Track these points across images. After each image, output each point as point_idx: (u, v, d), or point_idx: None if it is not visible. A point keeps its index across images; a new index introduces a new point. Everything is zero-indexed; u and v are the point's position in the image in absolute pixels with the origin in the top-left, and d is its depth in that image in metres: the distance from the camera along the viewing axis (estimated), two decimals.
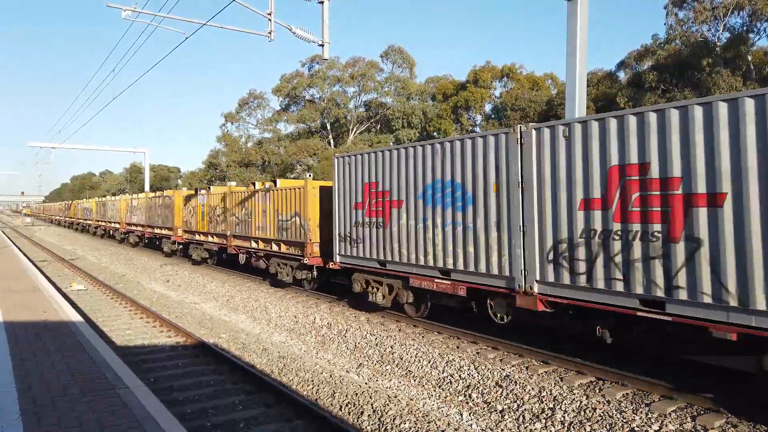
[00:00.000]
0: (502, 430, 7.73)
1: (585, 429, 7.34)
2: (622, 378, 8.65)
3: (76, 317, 11.37)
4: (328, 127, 59.30)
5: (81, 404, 6.23)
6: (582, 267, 8.77)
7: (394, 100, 55.71)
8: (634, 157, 8.13)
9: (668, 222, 7.71)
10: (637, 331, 8.59)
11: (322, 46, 15.19)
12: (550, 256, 9.27)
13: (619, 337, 8.94)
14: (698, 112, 7.45)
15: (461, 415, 8.27)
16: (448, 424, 7.92)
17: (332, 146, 56.57)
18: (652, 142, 7.90)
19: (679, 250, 7.59)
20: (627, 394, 8.11)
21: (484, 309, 11.10)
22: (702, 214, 7.36)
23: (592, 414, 7.66)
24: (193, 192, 26.17)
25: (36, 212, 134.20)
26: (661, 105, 7.98)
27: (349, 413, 8.46)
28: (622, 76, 39.26)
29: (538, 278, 9.52)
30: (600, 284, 8.53)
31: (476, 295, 11.07)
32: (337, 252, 14.57)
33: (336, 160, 14.38)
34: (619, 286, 8.29)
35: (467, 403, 8.63)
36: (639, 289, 8.05)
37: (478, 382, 9.12)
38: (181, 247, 27.92)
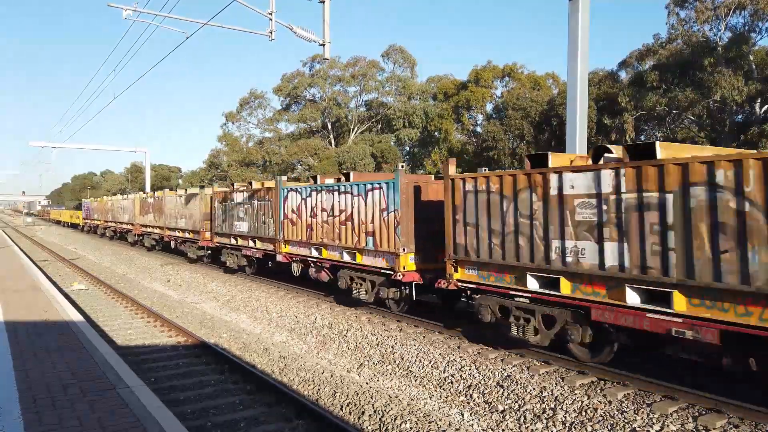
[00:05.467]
0: (503, 430, 7.72)
1: (586, 429, 7.33)
2: (623, 378, 8.64)
3: (77, 317, 11.37)
4: (329, 127, 59.29)
5: (82, 404, 6.23)
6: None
7: (395, 100, 55.68)
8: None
9: None
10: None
11: (323, 45, 15.18)
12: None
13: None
14: None
15: (462, 415, 8.26)
16: (449, 424, 7.91)
17: (333, 146, 56.59)
18: None
19: None
20: (628, 394, 8.10)
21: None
22: None
23: (594, 414, 7.64)
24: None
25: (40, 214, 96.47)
26: None
27: (350, 413, 8.46)
28: (623, 75, 39.18)
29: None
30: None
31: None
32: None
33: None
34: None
35: (468, 403, 8.62)
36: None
37: (479, 382, 9.11)
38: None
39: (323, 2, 14.84)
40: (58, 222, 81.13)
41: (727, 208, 7.10)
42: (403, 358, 10.61)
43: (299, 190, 16.72)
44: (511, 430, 7.69)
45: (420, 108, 53.31)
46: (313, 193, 15.88)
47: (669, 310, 7.68)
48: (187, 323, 14.70)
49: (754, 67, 32.30)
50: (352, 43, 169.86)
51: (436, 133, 49.56)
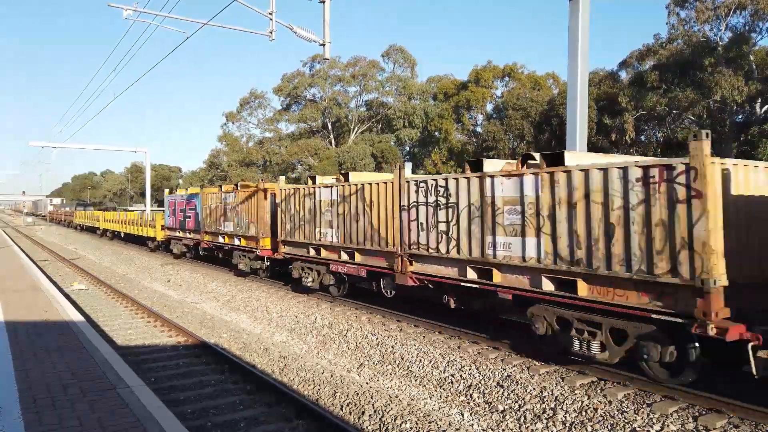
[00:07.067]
0: (503, 430, 7.72)
1: (586, 429, 7.33)
2: (623, 378, 8.64)
3: (77, 317, 11.37)
4: (329, 127, 59.31)
5: (82, 404, 6.23)
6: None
7: (395, 100, 55.70)
8: None
9: None
10: None
11: (324, 45, 15.16)
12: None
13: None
14: None
15: (462, 415, 8.26)
16: (449, 424, 7.91)
17: (333, 146, 56.59)
18: None
19: None
20: (628, 394, 8.09)
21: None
22: None
23: (594, 414, 7.64)
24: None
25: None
26: None
27: (350, 413, 8.46)
28: (623, 75, 39.21)
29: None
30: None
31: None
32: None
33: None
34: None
35: (468, 403, 8.62)
36: None
37: (480, 382, 9.11)
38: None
39: (323, 2, 14.83)
40: (91, 230, 49.35)
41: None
42: (403, 358, 10.62)
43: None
44: (512, 430, 7.69)
45: (420, 108, 53.33)
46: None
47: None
48: (187, 323, 14.70)
49: (754, 67, 32.30)
50: (352, 43, 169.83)
51: (436, 133, 49.57)
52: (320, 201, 15.08)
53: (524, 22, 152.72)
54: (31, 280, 17.03)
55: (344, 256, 14.26)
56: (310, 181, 16.00)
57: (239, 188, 20.38)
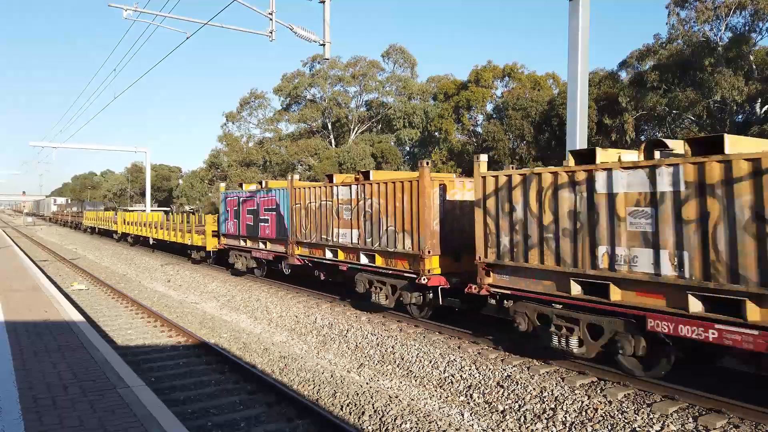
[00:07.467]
0: (503, 430, 7.73)
1: (586, 429, 7.33)
2: (623, 378, 8.64)
3: (77, 317, 11.37)
4: (330, 127, 59.28)
5: (82, 404, 6.23)
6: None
7: (395, 100, 55.68)
8: None
9: None
10: None
11: (324, 45, 15.17)
12: None
13: None
14: None
15: (462, 415, 8.26)
16: (450, 424, 7.91)
17: (333, 146, 56.58)
18: None
19: None
20: (628, 394, 8.10)
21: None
22: None
23: (594, 414, 7.64)
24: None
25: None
26: None
27: (351, 413, 8.47)
28: (623, 75, 39.18)
29: None
30: None
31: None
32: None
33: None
34: None
35: (468, 403, 8.62)
36: None
37: (480, 382, 9.11)
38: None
39: (323, 2, 14.85)
40: (105, 233, 43.99)
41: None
42: (403, 358, 10.62)
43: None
44: (512, 430, 7.69)
45: (420, 108, 53.31)
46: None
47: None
48: (188, 323, 14.70)
49: (754, 67, 32.30)
50: (352, 43, 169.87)
51: (436, 133, 49.55)
52: (608, 195, 8.33)
53: (524, 23, 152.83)
54: (31, 280, 17.03)
55: (695, 307, 7.42)
56: (570, 160, 9.19)
57: (371, 179, 13.57)
